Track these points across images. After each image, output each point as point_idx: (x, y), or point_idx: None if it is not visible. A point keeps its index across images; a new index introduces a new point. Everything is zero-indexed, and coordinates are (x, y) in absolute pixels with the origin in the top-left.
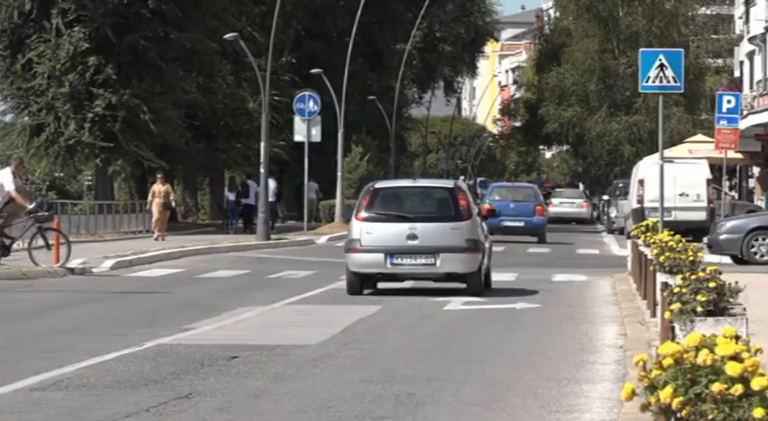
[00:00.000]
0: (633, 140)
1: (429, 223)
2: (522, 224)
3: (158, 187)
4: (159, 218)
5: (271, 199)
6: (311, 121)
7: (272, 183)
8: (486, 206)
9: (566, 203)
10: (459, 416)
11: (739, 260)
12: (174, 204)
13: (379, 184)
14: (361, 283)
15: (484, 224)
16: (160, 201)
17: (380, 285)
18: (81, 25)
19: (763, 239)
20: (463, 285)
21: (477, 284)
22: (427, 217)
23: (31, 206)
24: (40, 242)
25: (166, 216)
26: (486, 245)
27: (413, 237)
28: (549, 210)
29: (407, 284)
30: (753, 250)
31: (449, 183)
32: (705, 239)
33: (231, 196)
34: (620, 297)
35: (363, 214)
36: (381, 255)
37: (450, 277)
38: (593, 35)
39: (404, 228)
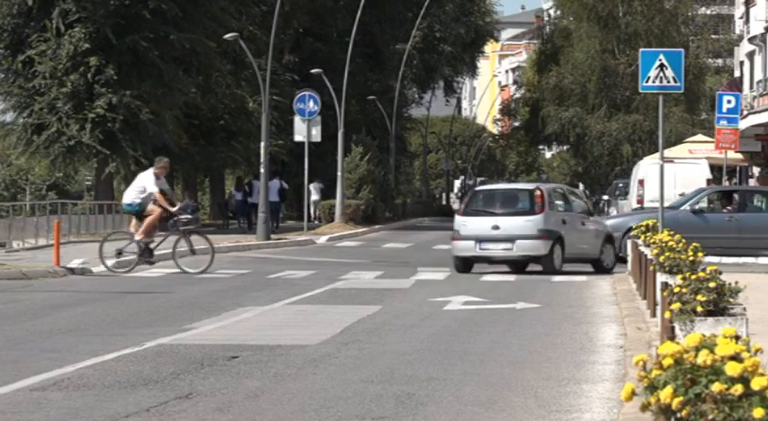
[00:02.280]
0: (633, 140)
1: (509, 217)
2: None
3: None
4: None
5: (275, 198)
6: (311, 121)
7: (277, 183)
8: None
9: None
10: (459, 416)
11: (620, 258)
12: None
13: (478, 188)
14: (464, 265)
15: (567, 216)
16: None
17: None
18: (81, 25)
19: None
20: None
21: (550, 265)
22: (508, 212)
23: (175, 208)
24: (184, 246)
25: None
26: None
27: (496, 227)
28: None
29: (407, 285)
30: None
31: (530, 186)
32: None
33: (238, 196)
34: (620, 297)
35: (462, 211)
36: (473, 242)
37: (527, 259)
38: (593, 35)
39: (490, 220)
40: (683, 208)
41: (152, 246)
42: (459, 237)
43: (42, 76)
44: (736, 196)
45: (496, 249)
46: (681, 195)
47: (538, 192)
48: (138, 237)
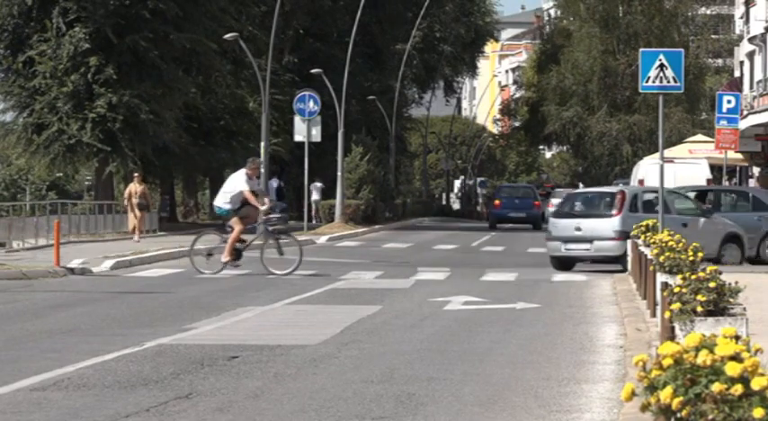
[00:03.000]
0: (633, 140)
1: (589, 219)
2: (524, 215)
3: (135, 187)
4: (141, 219)
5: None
6: (311, 121)
7: (274, 183)
8: (497, 201)
9: None
10: (459, 416)
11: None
12: (150, 205)
13: (571, 191)
14: (559, 264)
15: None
16: (136, 201)
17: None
18: (81, 25)
19: None
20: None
21: (626, 265)
22: (589, 214)
23: (265, 207)
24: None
25: (143, 217)
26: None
27: (578, 228)
28: (548, 209)
29: (408, 285)
30: None
31: (613, 189)
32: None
33: None
34: (620, 297)
35: (555, 213)
36: (560, 243)
37: (605, 259)
38: (593, 35)
39: (573, 222)
40: (657, 208)
41: (241, 247)
42: (551, 238)
43: (43, 75)
44: (710, 196)
45: (578, 249)
46: None
47: (618, 196)
48: (224, 259)
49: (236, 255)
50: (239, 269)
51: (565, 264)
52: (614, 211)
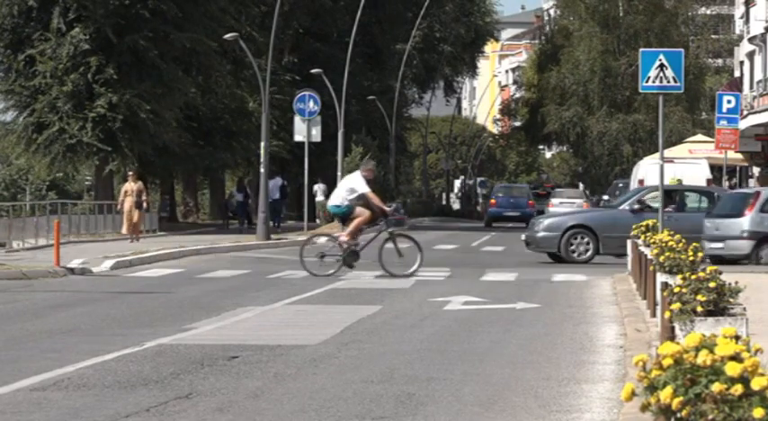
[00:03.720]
0: (633, 140)
1: (723, 219)
2: (518, 213)
3: (130, 185)
4: (138, 218)
5: (276, 197)
6: (311, 121)
7: (279, 181)
8: (492, 201)
9: (566, 203)
10: (459, 416)
11: (557, 257)
12: (146, 204)
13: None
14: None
15: None
16: (132, 200)
17: None
18: (82, 25)
19: (582, 238)
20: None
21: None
22: (723, 214)
23: (390, 208)
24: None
25: (140, 216)
26: None
27: (716, 228)
28: (548, 210)
29: (408, 285)
30: (571, 248)
31: (750, 190)
32: (522, 236)
33: (239, 196)
34: (620, 297)
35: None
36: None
37: (735, 257)
38: (593, 35)
39: (715, 222)
40: (621, 207)
41: (357, 248)
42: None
43: (43, 75)
44: (675, 196)
45: (712, 248)
46: None
47: (753, 196)
48: (344, 238)
49: (353, 257)
50: (328, 270)
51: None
52: (743, 212)
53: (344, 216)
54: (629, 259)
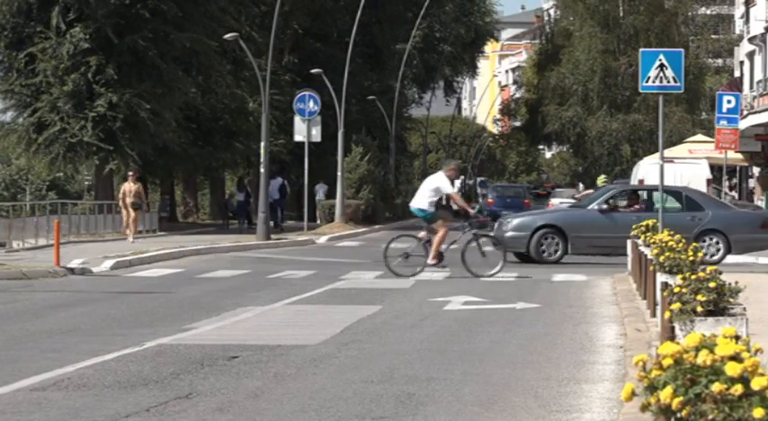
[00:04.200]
0: (633, 140)
1: None
2: (514, 212)
3: (129, 186)
4: (134, 219)
5: (276, 197)
6: (311, 121)
7: (279, 181)
8: (490, 200)
9: (566, 203)
10: (459, 416)
11: (524, 257)
12: (146, 205)
13: None
14: None
15: None
16: (131, 200)
17: None
18: (82, 25)
19: (552, 238)
20: None
21: None
22: None
23: (474, 210)
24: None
25: (137, 216)
26: None
27: None
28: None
29: (408, 285)
30: (542, 248)
31: None
32: (494, 234)
33: (240, 196)
34: (620, 297)
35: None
36: None
37: None
38: (593, 35)
39: None
40: (590, 207)
41: (442, 249)
42: None
43: (44, 74)
44: (643, 195)
45: None
46: None
47: None
48: (431, 262)
49: (440, 257)
50: (439, 269)
51: None
52: None
53: (429, 220)
54: (629, 259)
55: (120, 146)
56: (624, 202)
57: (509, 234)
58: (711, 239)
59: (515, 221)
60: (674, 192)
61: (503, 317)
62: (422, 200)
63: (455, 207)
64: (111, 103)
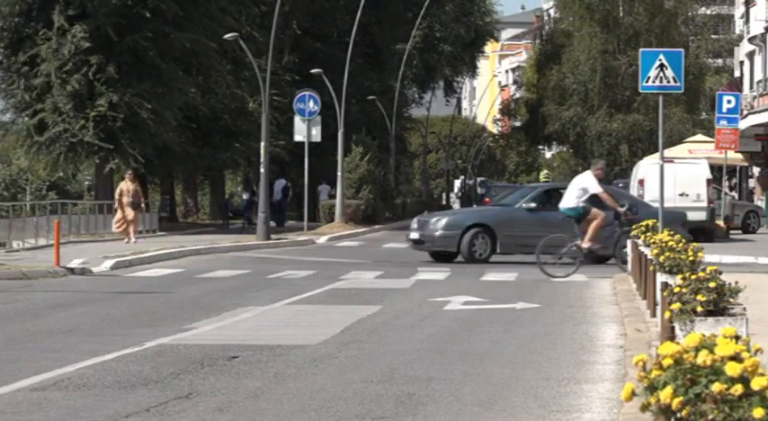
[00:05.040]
0: (633, 140)
1: None
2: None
3: (127, 185)
4: (132, 219)
5: (278, 197)
6: (311, 121)
7: (282, 182)
8: (487, 200)
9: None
10: (459, 416)
11: (438, 256)
12: (143, 204)
13: None
14: None
15: None
16: (128, 200)
17: None
18: (83, 24)
19: (483, 237)
20: None
21: None
22: None
23: (623, 208)
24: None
25: (135, 216)
26: None
27: None
28: None
29: (408, 285)
30: (473, 248)
31: None
32: (413, 235)
33: (246, 195)
34: (620, 297)
35: None
36: None
37: None
38: (593, 35)
39: None
40: (517, 205)
41: (598, 250)
42: None
43: (45, 74)
44: (554, 193)
45: None
46: (681, 195)
47: None
48: (585, 245)
49: (595, 259)
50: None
51: None
52: None
53: (579, 217)
54: (629, 259)
55: (120, 145)
56: (549, 201)
57: (439, 233)
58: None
59: (444, 221)
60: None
61: (503, 318)
62: (571, 199)
63: (623, 208)
64: (112, 103)
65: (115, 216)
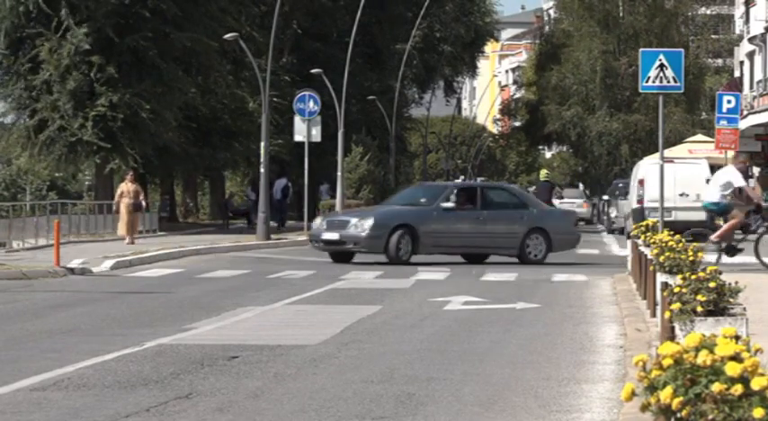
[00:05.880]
0: (633, 140)
1: None
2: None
3: (127, 186)
4: (129, 220)
5: (278, 197)
6: (311, 121)
7: (283, 182)
8: None
9: (566, 203)
10: (459, 416)
11: (337, 256)
12: (144, 205)
13: None
14: None
15: None
16: (129, 201)
17: None
18: (83, 23)
19: (406, 238)
20: None
21: None
22: None
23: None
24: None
25: (137, 218)
26: None
27: None
28: None
29: (408, 285)
30: (399, 249)
31: None
32: (334, 236)
33: (253, 195)
34: (620, 297)
35: None
36: None
37: None
38: (593, 35)
39: None
40: (435, 205)
41: (736, 244)
42: None
43: (44, 74)
44: (480, 192)
45: None
46: (681, 195)
47: None
48: (713, 238)
49: (733, 251)
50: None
51: None
52: None
53: (722, 213)
54: (629, 259)
55: (120, 145)
56: (466, 200)
57: (366, 234)
58: (537, 238)
59: (371, 221)
60: (499, 188)
61: (503, 317)
62: (714, 193)
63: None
64: (112, 103)
65: (119, 219)
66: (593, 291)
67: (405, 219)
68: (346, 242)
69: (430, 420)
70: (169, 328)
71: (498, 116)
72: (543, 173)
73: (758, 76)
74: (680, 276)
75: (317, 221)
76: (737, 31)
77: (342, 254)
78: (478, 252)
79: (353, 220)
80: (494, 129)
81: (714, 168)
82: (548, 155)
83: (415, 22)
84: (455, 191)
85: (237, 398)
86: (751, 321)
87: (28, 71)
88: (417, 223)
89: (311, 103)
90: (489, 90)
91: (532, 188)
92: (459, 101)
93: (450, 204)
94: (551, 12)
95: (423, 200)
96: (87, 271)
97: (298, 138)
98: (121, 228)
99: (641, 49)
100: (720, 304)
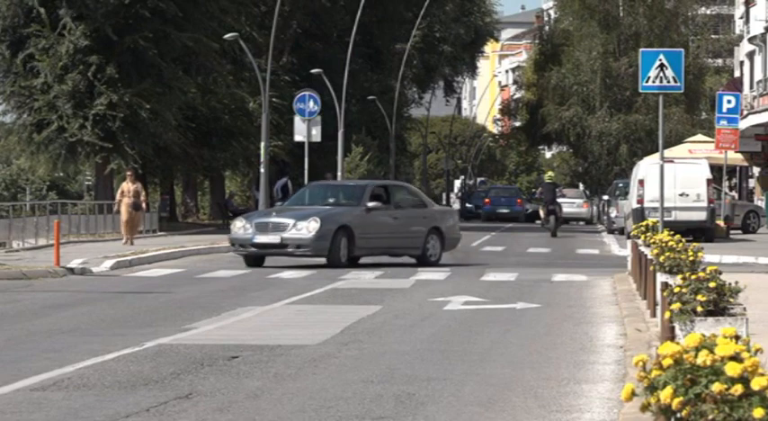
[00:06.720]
0: (633, 140)
1: None
2: (508, 211)
3: (127, 186)
4: (128, 219)
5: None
6: (311, 121)
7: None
8: (487, 200)
9: (566, 203)
10: (459, 416)
11: (251, 259)
12: (144, 205)
13: None
14: None
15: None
16: (129, 201)
17: None
18: (83, 23)
19: (344, 239)
20: None
21: None
22: None
23: None
24: None
25: (138, 218)
26: None
27: None
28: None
29: (408, 285)
30: (341, 252)
31: None
32: (268, 238)
33: (258, 195)
34: (620, 297)
35: None
36: None
37: None
38: (593, 36)
39: None
40: (360, 206)
41: None
42: None
43: (43, 74)
44: (390, 191)
45: None
46: (681, 195)
47: None
48: None
49: None
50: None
51: None
52: None
53: None
54: (629, 259)
55: (119, 145)
56: (387, 200)
57: (313, 236)
58: (434, 238)
59: (317, 223)
60: (402, 187)
61: (503, 317)
62: None
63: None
64: (111, 103)
65: (122, 221)
66: (593, 290)
67: (343, 221)
68: (288, 245)
69: (430, 420)
70: (169, 328)
71: (498, 116)
72: (549, 175)
73: (758, 75)
74: (680, 276)
75: (239, 224)
76: (737, 31)
77: (256, 257)
78: (395, 253)
79: (293, 222)
80: (494, 129)
81: (714, 168)
82: (548, 155)
83: (414, 22)
84: (376, 190)
85: (237, 398)
86: (751, 321)
87: (27, 71)
88: (353, 224)
89: (311, 103)
90: (489, 90)
91: (538, 189)
92: (459, 101)
93: (374, 204)
94: (551, 12)
95: (343, 200)
96: (87, 271)
97: (298, 138)
98: (124, 230)
99: (641, 50)
100: (720, 304)
